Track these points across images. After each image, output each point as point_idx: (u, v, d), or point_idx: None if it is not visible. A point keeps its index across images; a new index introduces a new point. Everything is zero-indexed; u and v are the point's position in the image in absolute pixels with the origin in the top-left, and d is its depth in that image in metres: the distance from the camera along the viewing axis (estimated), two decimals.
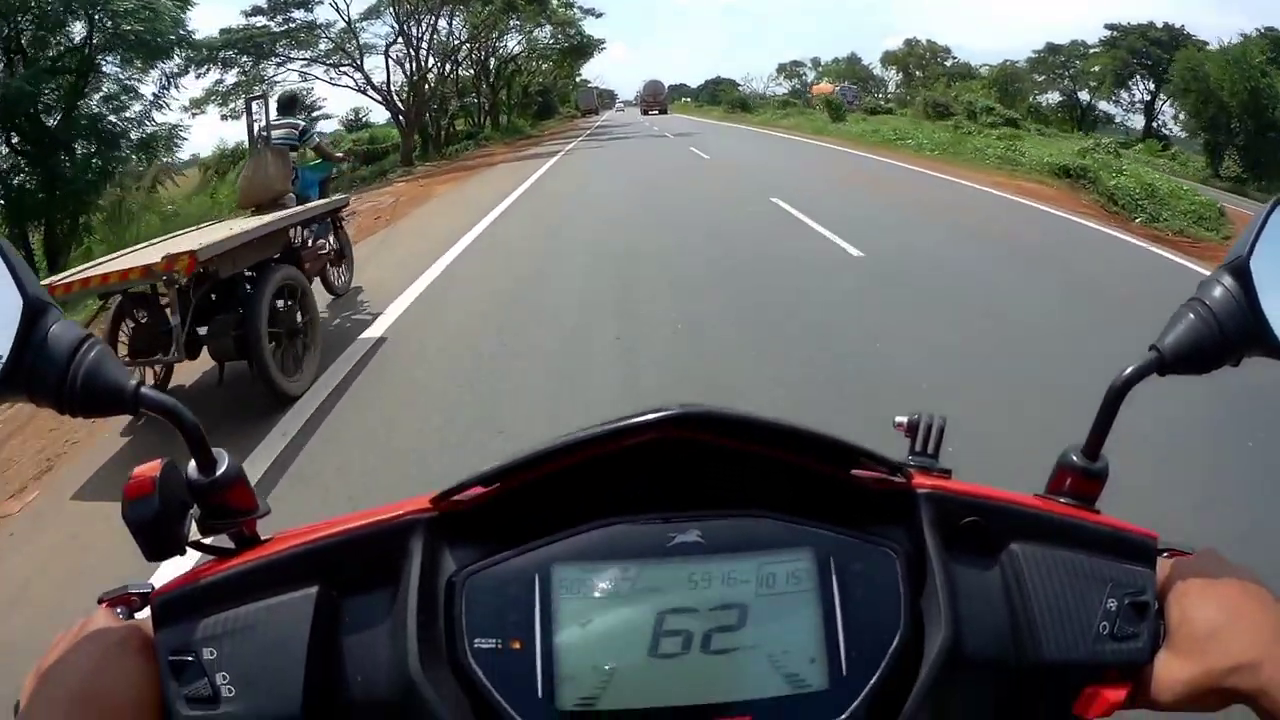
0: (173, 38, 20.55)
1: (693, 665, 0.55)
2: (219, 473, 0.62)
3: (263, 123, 7.30)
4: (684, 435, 0.58)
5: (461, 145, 39.71)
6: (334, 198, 7.33)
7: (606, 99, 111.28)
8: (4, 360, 0.55)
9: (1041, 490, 0.71)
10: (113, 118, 19.12)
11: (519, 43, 48.32)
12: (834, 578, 0.57)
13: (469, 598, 0.57)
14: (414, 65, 36.81)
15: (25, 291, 0.56)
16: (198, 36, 31.33)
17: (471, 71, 48.28)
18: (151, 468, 0.60)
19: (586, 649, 0.56)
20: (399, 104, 35.80)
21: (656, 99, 70.30)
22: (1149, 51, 60.26)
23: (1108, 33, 63.39)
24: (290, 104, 8.28)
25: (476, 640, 0.56)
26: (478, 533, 0.61)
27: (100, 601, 0.65)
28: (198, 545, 0.63)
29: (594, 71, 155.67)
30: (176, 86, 21.86)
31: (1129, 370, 0.64)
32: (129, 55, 19.26)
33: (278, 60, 33.99)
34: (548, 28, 45.89)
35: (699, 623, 0.56)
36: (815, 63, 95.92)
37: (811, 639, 0.56)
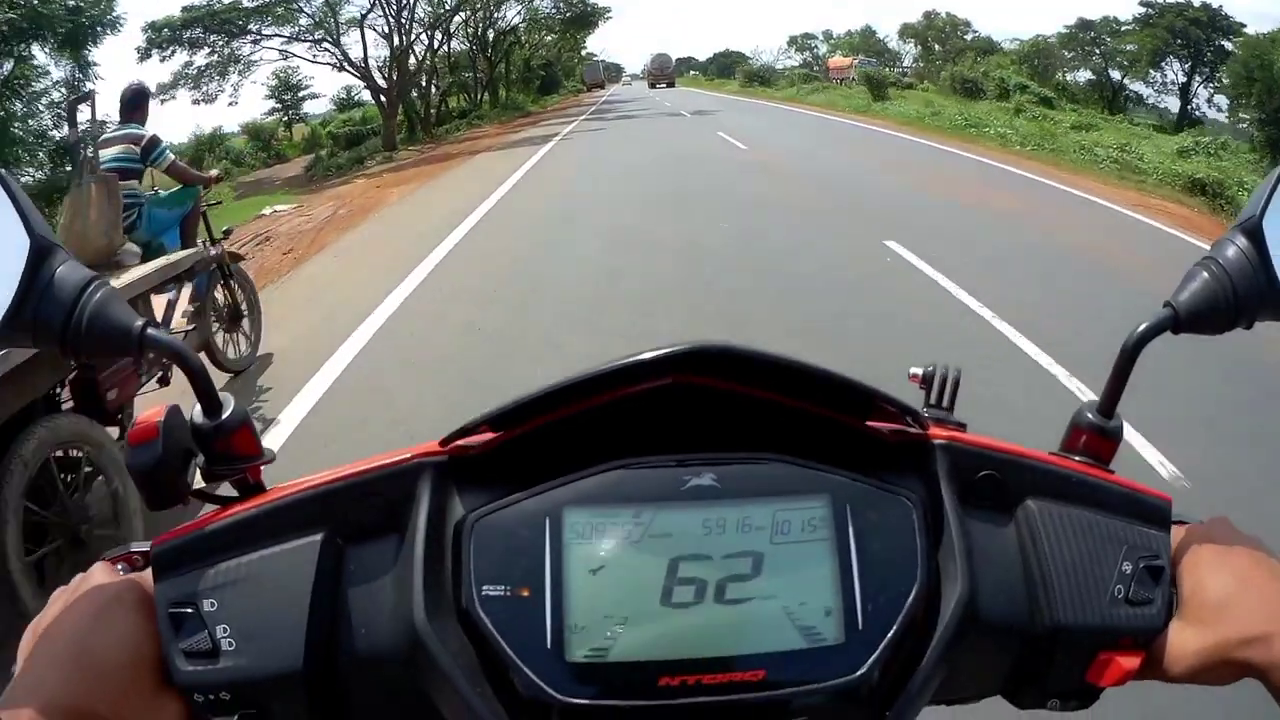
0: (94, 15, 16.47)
1: (706, 616, 0.53)
2: (224, 416, 0.59)
3: (91, 136, 5.30)
4: (697, 381, 0.55)
5: (453, 125, 35.51)
6: (190, 251, 4.75)
7: (613, 73, 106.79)
8: (9, 302, 0.53)
9: (1055, 448, 0.67)
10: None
11: (518, 13, 43.92)
12: (850, 527, 0.55)
13: (477, 542, 0.54)
14: (397, 38, 32.48)
15: (32, 231, 0.54)
16: (162, 15, 27.99)
17: (467, 44, 44.10)
18: (155, 413, 0.57)
19: (597, 598, 0.53)
20: (380, 81, 31.60)
21: (664, 72, 67.27)
22: (1187, 31, 55.69)
23: (1142, 10, 58.43)
24: (136, 102, 5.54)
25: (485, 587, 0.53)
26: (488, 476, 0.58)
27: (104, 559, 0.61)
28: (201, 494, 0.60)
29: (599, 45, 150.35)
30: (91, 77, 17.65)
31: (1143, 327, 0.61)
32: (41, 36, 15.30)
33: (253, 38, 30.70)
34: None
35: (713, 571, 0.53)
36: (827, 35, 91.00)
37: (827, 590, 0.54)
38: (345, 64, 32.46)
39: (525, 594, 0.53)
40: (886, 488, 0.56)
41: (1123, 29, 59.34)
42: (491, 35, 44.29)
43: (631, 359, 0.53)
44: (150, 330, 0.56)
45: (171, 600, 0.55)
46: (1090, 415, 0.66)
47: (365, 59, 31.45)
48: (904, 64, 77.30)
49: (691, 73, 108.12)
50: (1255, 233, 0.60)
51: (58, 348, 0.55)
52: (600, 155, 16.52)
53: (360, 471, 0.59)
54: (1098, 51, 61.47)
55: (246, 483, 0.61)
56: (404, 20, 32.12)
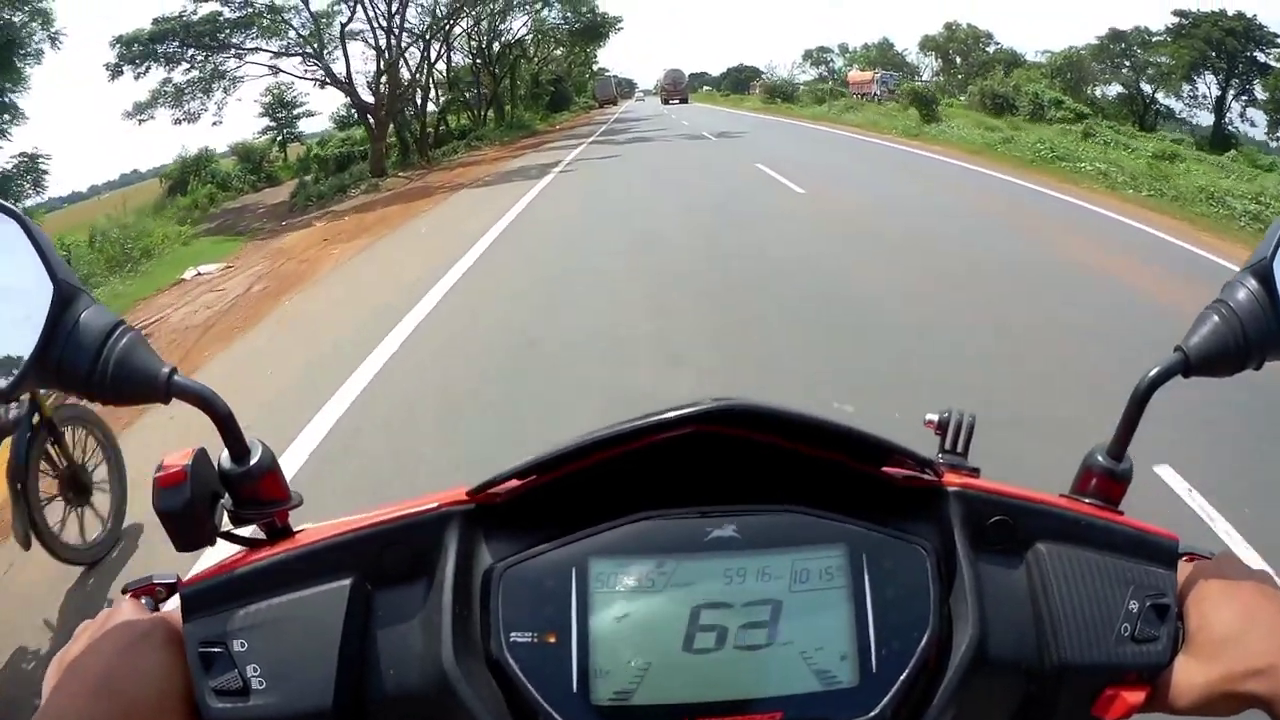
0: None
1: (726, 661, 0.54)
2: (253, 462, 0.60)
3: None
4: (719, 430, 0.56)
5: (452, 146, 32.15)
6: None
7: (625, 88, 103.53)
8: (34, 346, 0.53)
9: (1066, 490, 0.69)
10: None
11: (524, 24, 40.59)
12: (866, 574, 0.56)
13: (505, 591, 0.55)
14: (387, 50, 29.17)
15: (56, 276, 0.54)
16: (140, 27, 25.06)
17: (469, 58, 40.84)
18: (183, 456, 0.57)
19: (621, 643, 0.54)
20: (367, 98, 28.45)
21: (677, 88, 65.37)
22: (1224, 43, 52.11)
23: (1175, 20, 54.82)
24: None
25: (513, 634, 0.54)
26: (513, 525, 0.59)
27: (125, 592, 0.62)
28: (229, 536, 0.61)
29: (612, 60, 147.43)
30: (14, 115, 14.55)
31: (1154, 372, 0.62)
32: None
33: (234, 52, 27.72)
34: (556, 6, 38.11)
35: (733, 618, 0.55)
36: (843, 49, 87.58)
37: (843, 635, 0.55)
38: (329, 79, 29.24)
39: (551, 640, 0.54)
40: (901, 536, 0.57)
41: (1153, 40, 55.98)
42: (496, 48, 41.10)
43: (657, 417, 0.53)
44: (177, 377, 0.57)
45: (201, 640, 0.55)
46: (1100, 458, 0.66)
47: (349, 74, 28.16)
48: (922, 77, 73.90)
49: (705, 88, 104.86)
50: (1266, 275, 0.60)
51: (84, 393, 0.55)
52: (607, 200, 12.49)
53: (388, 519, 0.59)
54: (1127, 64, 57.94)
55: (274, 526, 0.61)
56: (394, 31, 28.81)
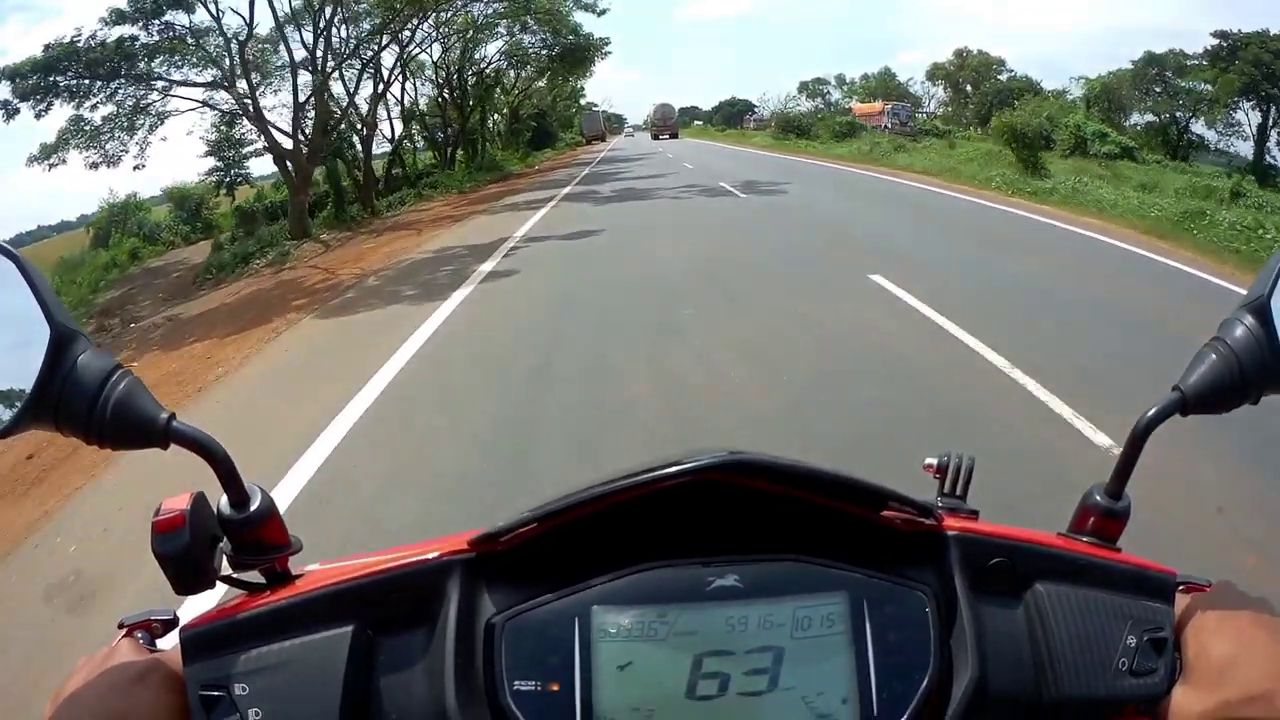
0: None
1: (729, 707, 0.54)
2: (252, 509, 0.59)
3: None
4: (721, 479, 0.55)
5: (399, 196, 24.93)
6: None
7: (615, 124, 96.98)
8: (31, 388, 0.52)
9: (1065, 528, 0.68)
10: None
11: (499, 51, 33.50)
12: (867, 620, 0.56)
13: (509, 640, 0.55)
14: (314, 77, 21.99)
15: (53, 319, 0.53)
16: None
17: (438, 89, 33.83)
18: (181, 500, 0.56)
19: (624, 691, 0.54)
20: (284, 140, 21.17)
21: (666, 123, 62.70)
22: (1272, 66, 45.63)
23: (1215, 42, 48.16)
24: None
25: (516, 683, 0.54)
26: (515, 574, 0.58)
27: (121, 627, 0.61)
28: (229, 580, 0.60)
29: (600, 95, 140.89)
30: None
31: (1151, 412, 0.62)
32: None
33: (157, 83, 21.52)
34: (533, 27, 31.01)
35: (735, 665, 0.54)
36: (840, 80, 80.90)
37: (844, 680, 0.55)
38: (245, 115, 22.12)
39: (555, 688, 0.53)
40: (901, 582, 0.57)
41: (1189, 63, 49.41)
42: (470, 79, 34.04)
43: (662, 471, 0.52)
44: (175, 423, 0.56)
45: (203, 683, 0.54)
46: (1099, 497, 0.65)
47: (254, 103, 20.83)
48: (927, 107, 67.47)
49: (696, 123, 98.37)
50: (1263, 312, 0.60)
51: (82, 435, 0.54)
52: (546, 416, 4.35)
53: (389, 568, 0.59)
54: (1159, 89, 51.28)
55: (274, 570, 0.60)
56: (319, 54, 21.58)
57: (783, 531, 0.58)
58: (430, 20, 27.82)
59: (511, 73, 40.58)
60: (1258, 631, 0.54)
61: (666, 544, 0.56)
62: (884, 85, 74.95)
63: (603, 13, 29.12)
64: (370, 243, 14.95)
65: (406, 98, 32.85)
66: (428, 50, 33.33)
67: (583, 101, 69.63)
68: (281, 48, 22.55)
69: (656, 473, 0.53)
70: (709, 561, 0.56)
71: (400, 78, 30.12)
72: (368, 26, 23.60)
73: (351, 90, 24.51)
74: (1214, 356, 0.61)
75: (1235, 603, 0.57)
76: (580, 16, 30.71)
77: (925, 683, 0.55)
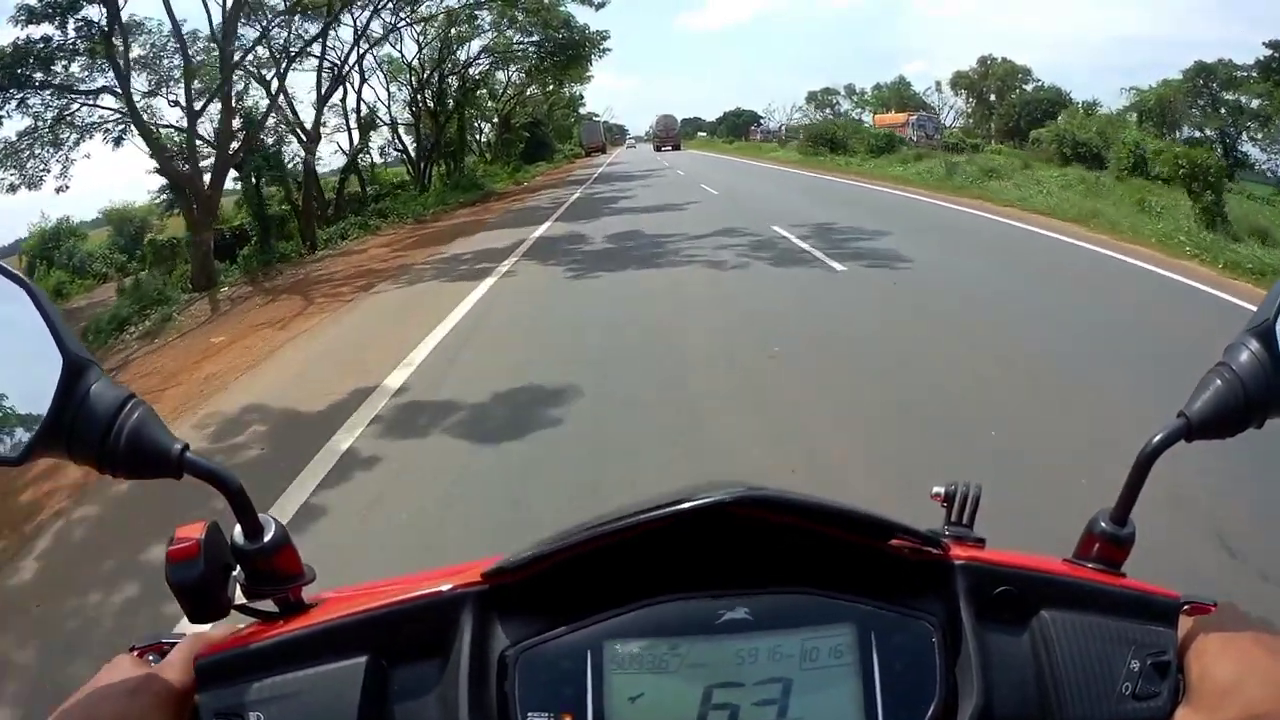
0: None
1: None
2: (266, 539, 0.58)
3: None
4: (733, 511, 0.55)
5: (340, 228, 19.13)
6: None
7: (616, 135, 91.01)
8: (44, 417, 0.52)
9: (1071, 553, 0.67)
10: None
11: (483, 49, 27.68)
12: (874, 651, 0.55)
13: (522, 672, 0.54)
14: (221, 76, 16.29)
15: (65, 349, 0.53)
16: None
17: (413, 94, 28.09)
18: (195, 529, 0.56)
19: None
20: (188, 159, 15.40)
21: (669, 134, 58.29)
22: None
23: (1268, 53, 42.66)
24: None
25: (529, 714, 0.54)
26: (527, 606, 0.58)
27: (131, 650, 0.59)
28: (244, 609, 0.60)
29: (602, 104, 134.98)
30: None
31: (1156, 439, 0.61)
32: None
33: (87, 92, 16.57)
34: (522, 20, 25.20)
35: (745, 696, 0.54)
36: (850, 90, 75.05)
37: (851, 710, 0.55)
38: (135, 127, 16.40)
39: (567, 719, 0.53)
40: (908, 612, 0.57)
41: (1238, 75, 43.76)
42: (453, 81, 28.33)
43: (676, 507, 0.52)
44: (189, 454, 0.55)
45: (216, 710, 0.54)
46: (1104, 524, 0.64)
47: (130, 107, 15.06)
48: (944, 119, 61.66)
49: (700, 134, 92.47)
50: (1268, 336, 0.59)
51: (95, 465, 0.53)
52: None
53: (403, 600, 0.58)
54: (1206, 103, 45.48)
55: (288, 600, 0.60)
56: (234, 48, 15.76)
57: (791, 561, 0.57)
58: (389, 9, 22.16)
59: (501, 75, 34.95)
60: (1260, 652, 0.53)
61: (676, 574, 0.56)
62: (898, 95, 69.20)
63: (600, 5, 23.43)
64: (255, 314, 9.21)
65: (371, 103, 27.10)
66: (398, 47, 27.78)
67: (582, 110, 63.90)
68: (206, 44, 17.04)
69: (669, 509, 0.52)
70: (719, 594, 0.55)
71: (358, 79, 24.44)
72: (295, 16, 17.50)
73: (276, 92, 18.72)
74: (1219, 382, 0.60)
75: (1238, 624, 0.56)
76: (575, 9, 25.22)
77: (931, 711, 0.54)
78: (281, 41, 19.90)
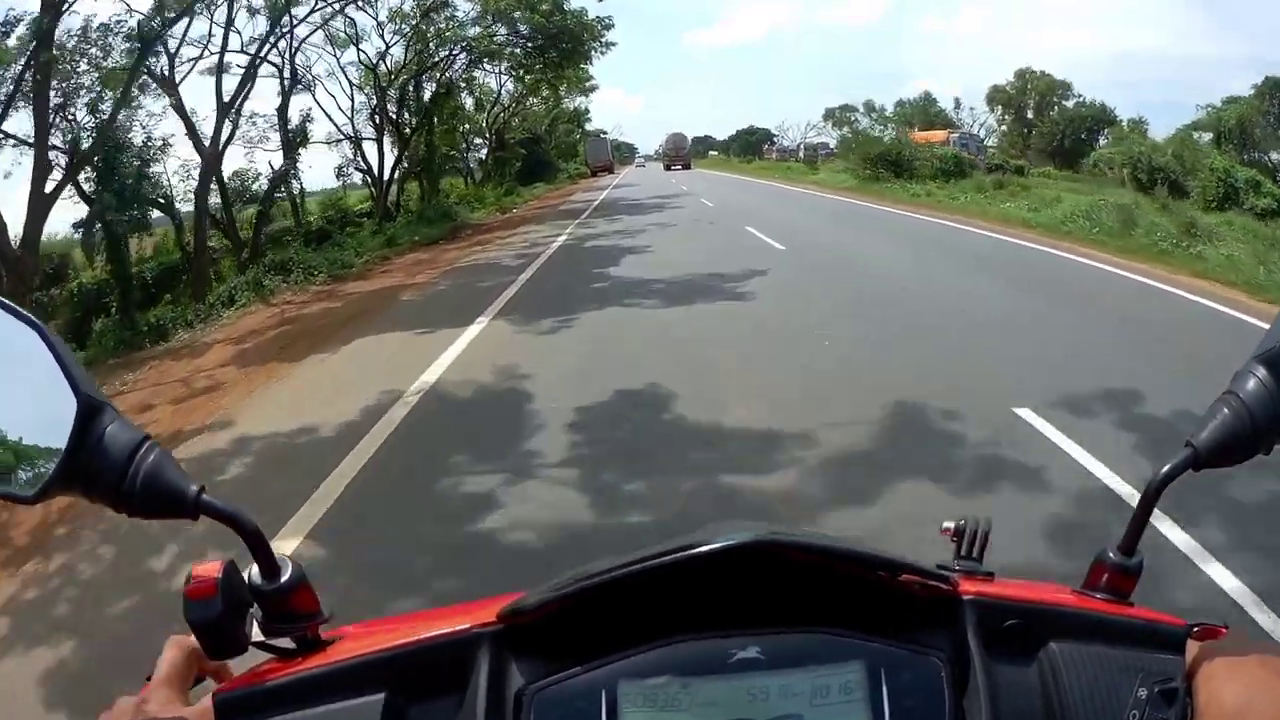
0: None
1: None
2: (283, 579, 0.58)
3: None
4: (747, 551, 0.55)
5: (227, 291, 12.62)
6: None
7: (626, 153, 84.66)
8: (59, 459, 0.52)
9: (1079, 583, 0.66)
10: None
11: (458, 43, 21.31)
12: (884, 687, 0.55)
13: (538, 712, 0.54)
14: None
15: (79, 390, 0.52)
16: None
17: (377, 100, 21.87)
18: (212, 569, 0.55)
19: None
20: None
21: (679, 153, 53.52)
22: None
23: None
24: None
25: None
26: (542, 645, 0.57)
27: (148, 680, 0.59)
28: (262, 646, 0.59)
29: (610, 122, 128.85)
30: None
31: (1165, 469, 0.60)
32: None
33: None
34: (503, 6, 18.90)
35: None
36: (869, 106, 68.58)
37: None
38: None
39: None
40: (917, 648, 0.56)
41: None
42: (429, 87, 22.15)
43: (693, 551, 0.52)
44: (205, 496, 0.55)
45: None
46: (1112, 555, 0.63)
47: None
48: (973, 133, 55.21)
49: (711, 152, 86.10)
50: (1275, 363, 0.58)
51: (111, 505, 0.53)
52: None
53: (420, 640, 0.58)
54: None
55: (305, 637, 0.60)
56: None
57: (802, 597, 0.57)
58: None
59: (484, 79, 28.77)
60: (1267, 676, 0.53)
61: (688, 611, 0.56)
62: (923, 112, 62.77)
63: None
64: None
65: (302, 112, 20.81)
66: (354, 42, 21.60)
67: (588, 126, 57.64)
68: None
69: (686, 553, 0.52)
70: (731, 633, 0.55)
71: (288, 82, 18.20)
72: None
73: (122, 94, 12.36)
74: (1226, 410, 0.59)
75: (1246, 648, 0.55)
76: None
77: None
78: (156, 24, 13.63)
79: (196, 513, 0.54)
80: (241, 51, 16.64)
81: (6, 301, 0.55)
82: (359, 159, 25.48)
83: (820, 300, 7.05)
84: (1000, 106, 57.01)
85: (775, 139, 73.36)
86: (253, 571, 0.57)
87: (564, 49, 20.21)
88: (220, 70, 15.94)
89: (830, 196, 19.86)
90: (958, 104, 62.88)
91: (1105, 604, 0.62)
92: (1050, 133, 52.34)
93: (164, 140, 15.27)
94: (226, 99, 16.05)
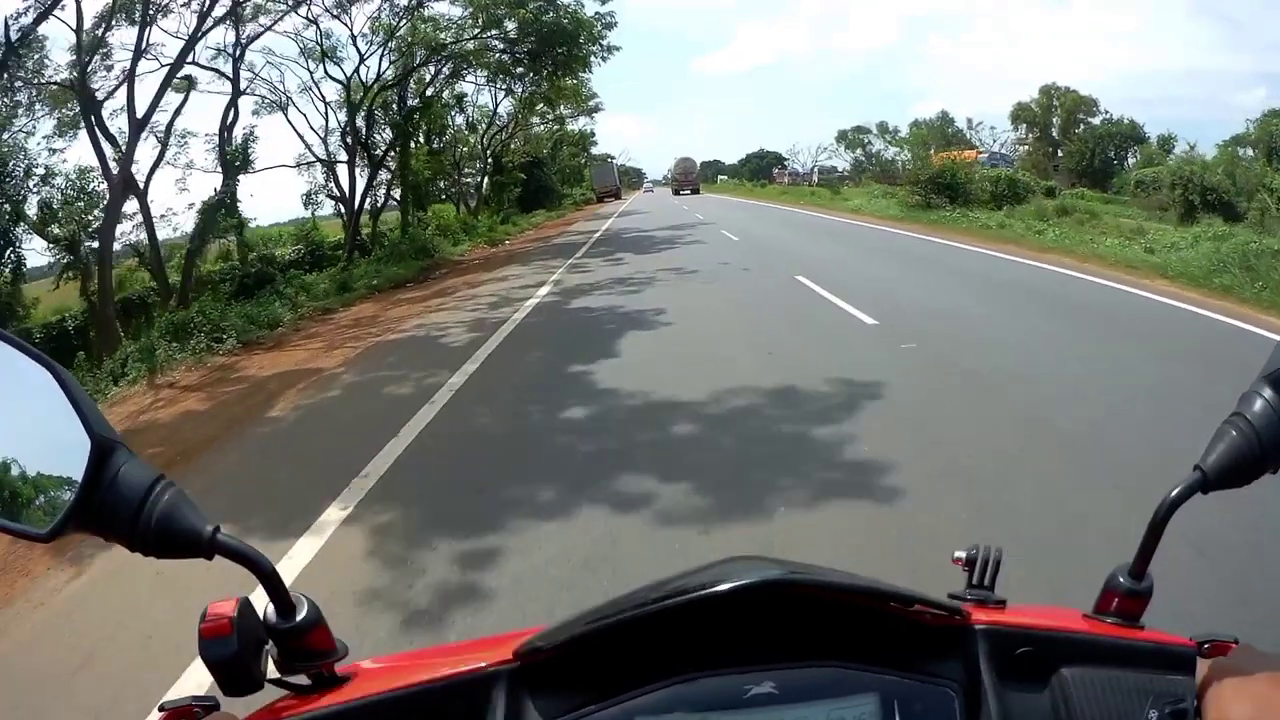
0: None
1: None
2: (299, 618, 0.57)
3: None
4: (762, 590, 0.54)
5: (146, 343, 9.08)
6: None
7: (634, 179, 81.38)
8: (73, 498, 0.52)
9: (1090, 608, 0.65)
10: None
11: (434, 48, 18.02)
12: (897, 718, 0.55)
13: None
14: None
15: (93, 430, 0.52)
16: None
17: (344, 119, 18.60)
18: (227, 607, 0.55)
19: None
20: None
21: (688, 178, 51.99)
22: None
23: None
24: None
25: None
26: (558, 682, 0.57)
27: (161, 710, 0.59)
28: (278, 683, 0.58)
29: (618, 147, 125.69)
30: None
31: (1174, 493, 0.60)
32: None
33: None
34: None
35: None
36: (882, 128, 65.13)
37: None
38: None
39: None
40: (930, 680, 0.56)
41: None
42: (412, 101, 18.83)
43: (707, 591, 0.51)
44: (220, 535, 0.54)
45: None
46: (1122, 579, 0.63)
47: None
48: (1003, 153, 51.66)
49: (721, 177, 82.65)
50: None
51: (126, 544, 0.53)
52: None
53: (436, 679, 0.57)
54: None
55: (321, 675, 0.59)
56: None
57: (817, 630, 0.56)
58: None
59: (486, 99, 25.39)
60: (1277, 692, 0.52)
61: (703, 646, 0.55)
62: (940, 133, 59.39)
63: None
64: None
65: (245, 129, 17.54)
66: (326, 57, 18.35)
67: (594, 150, 54.35)
68: None
69: (701, 594, 0.51)
70: (746, 669, 0.54)
71: (231, 102, 14.89)
72: None
73: None
74: (1234, 433, 0.58)
75: (1256, 664, 0.54)
76: None
77: None
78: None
79: (212, 552, 0.54)
80: (191, 63, 13.37)
81: (22, 341, 0.53)
82: (333, 185, 22.42)
83: (1017, 484, 3.20)
84: (1025, 124, 53.72)
85: (786, 163, 70.12)
86: (269, 610, 0.56)
87: (559, 55, 16.79)
88: (132, 78, 12.66)
89: (878, 229, 15.96)
90: (970, 123, 59.03)
91: (1115, 628, 0.61)
92: (1079, 151, 48.70)
93: (46, 168, 11.96)
94: (141, 114, 12.80)
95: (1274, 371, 0.58)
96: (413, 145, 20.06)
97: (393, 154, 19.36)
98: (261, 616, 0.57)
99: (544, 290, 10.19)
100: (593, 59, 17.23)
